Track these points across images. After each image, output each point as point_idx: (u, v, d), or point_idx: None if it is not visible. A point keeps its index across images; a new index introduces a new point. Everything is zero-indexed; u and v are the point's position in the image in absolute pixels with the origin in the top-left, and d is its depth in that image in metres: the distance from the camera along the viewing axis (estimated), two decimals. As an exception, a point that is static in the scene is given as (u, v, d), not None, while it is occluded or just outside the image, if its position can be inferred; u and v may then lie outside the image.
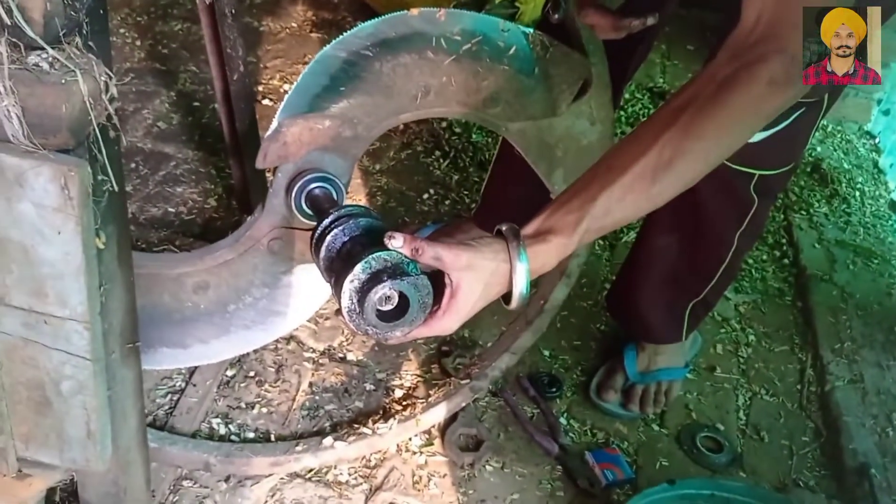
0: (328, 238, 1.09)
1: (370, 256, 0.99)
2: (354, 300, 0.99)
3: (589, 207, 1.00)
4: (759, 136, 1.40)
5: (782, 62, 0.98)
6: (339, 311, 1.01)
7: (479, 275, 0.99)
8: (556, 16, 1.46)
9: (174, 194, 2.13)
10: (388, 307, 1.00)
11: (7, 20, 0.77)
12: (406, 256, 0.99)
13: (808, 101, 1.38)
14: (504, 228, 1.01)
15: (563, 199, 1.04)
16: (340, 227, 1.09)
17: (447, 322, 1.02)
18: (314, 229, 1.13)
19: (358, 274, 0.99)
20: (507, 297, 1.03)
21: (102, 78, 0.82)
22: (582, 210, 1.01)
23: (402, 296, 1.00)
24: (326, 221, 1.11)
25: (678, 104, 1.02)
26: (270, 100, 2.54)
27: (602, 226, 1.03)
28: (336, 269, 1.06)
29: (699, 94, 1.01)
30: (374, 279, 0.98)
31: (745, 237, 1.60)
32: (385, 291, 0.98)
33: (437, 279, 1.01)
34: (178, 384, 1.63)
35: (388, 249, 0.99)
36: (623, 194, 1.01)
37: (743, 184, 1.50)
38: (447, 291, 1.00)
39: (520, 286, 1.00)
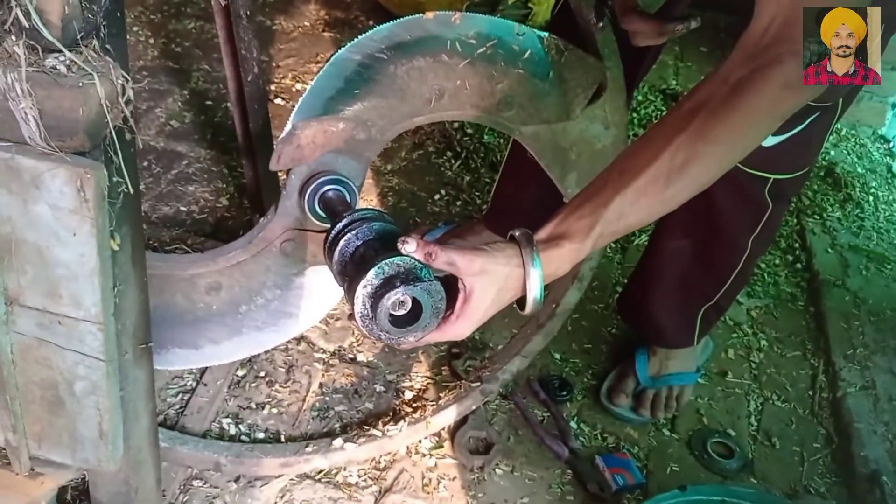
0: (341, 242, 1.09)
1: (383, 262, 0.99)
2: (367, 305, 0.99)
3: (602, 212, 1.00)
4: (773, 141, 1.39)
5: (797, 64, 0.98)
6: (351, 316, 1.01)
7: (492, 280, 0.99)
8: (601, 23, 1.45)
9: (186, 193, 2.14)
10: (401, 312, 1.00)
11: (25, 23, 0.77)
12: (419, 261, 0.99)
13: (822, 106, 1.37)
14: (517, 234, 1.01)
15: (576, 203, 1.03)
16: (353, 232, 1.09)
17: (460, 327, 1.02)
18: (327, 233, 1.13)
19: (371, 279, 0.98)
20: (521, 302, 1.03)
21: (119, 81, 0.82)
22: (595, 214, 1.00)
23: (415, 301, 0.99)
24: (339, 225, 1.11)
25: (690, 106, 1.02)
26: (283, 99, 2.54)
27: (615, 230, 1.03)
28: (349, 274, 1.06)
29: (712, 96, 1.01)
30: (386, 285, 0.98)
31: (759, 241, 1.59)
32: (398, 297, 0.98)
33: (451, 284, 1.01)
34: (188, 384, 1.63)
35: (402, 254, 0.98)
36: (636, 198, 1.00)
37: (757, 188, 1.50)
38: (460, 296, 1.00)
39: (534, 292, 1.00)
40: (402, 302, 0.99)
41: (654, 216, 1.06)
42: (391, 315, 0.99)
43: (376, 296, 0.98)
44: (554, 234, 1.02)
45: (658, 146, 1.01)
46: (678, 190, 1.01)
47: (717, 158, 1.02)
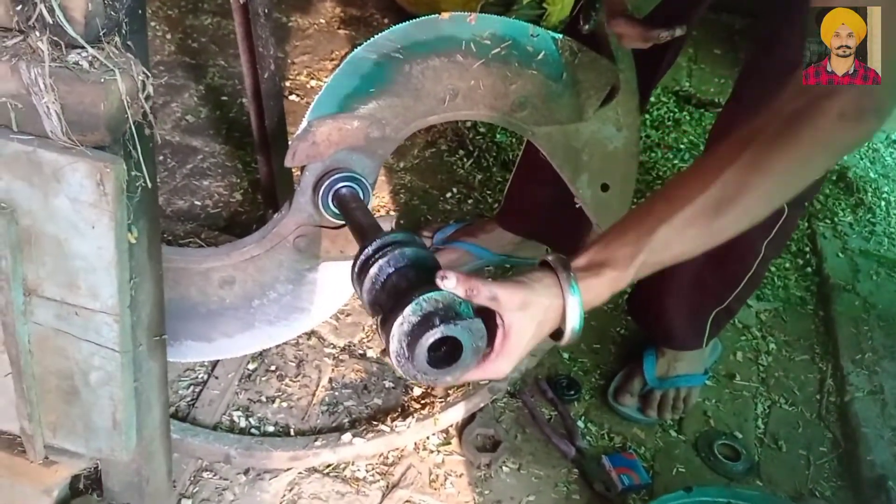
0: (372, 270, 1.02)
1: (421, 297, 0.93)
2: (404, 345, 0.93)
3: (646, 240, 0.97)
4: None
5: (853, 94, 0.95)
6: (385, 351, 0.95)
7: (533, 313, 0.95)
8: (587, 26, 1.46)
9: (201, 187, 2.16)
10: (439, 351, 0.95)
11: (49, 19, 0.79)
12: (458, 296, 0.94)
13: None
14: (551, 259, 0.97)
15: (618, 230, 1.00)
16: (385, 258, 1.02)
17: (500, 365, 0.97)
18: (356, 257, 1.07)
19: (408, 316, 0.92)
20: (556, 332, 0.99)
21: (140, 77, 0.84)
22: (639, 243, 0.97)
23: (453, 339, 0.94)
24: (370, 250, 1.04)
25: (742, 136, 0.98)
26: (297, 95, 2.56)
27: (660, 260, 0.99)
28: (383, 306, 1.00)
29: (765, 127, 0.97)
30: (425, 323, 0.92)
31: (773, 245, 1.59)
32: (437, 337, 0.92)
33: (488, 317, 0.96)
34: (200, 376, 1.64)
35: (439, 288, 0.93)
36: (683, 228, 0.97)
37: None
38: (499, 332, 0.96)
39: (573, 322, 0.96)
40: (441, 340, 0.93)
41: (701, 248, 1.01)
42: (428, 354, 0.93)
43: (414, 335, 0.92)
44: (594, 261, 0.98)
45: (708, 176, 0.97)
46: (727, 222, 0.98)
47: (769, 192, 0.98)
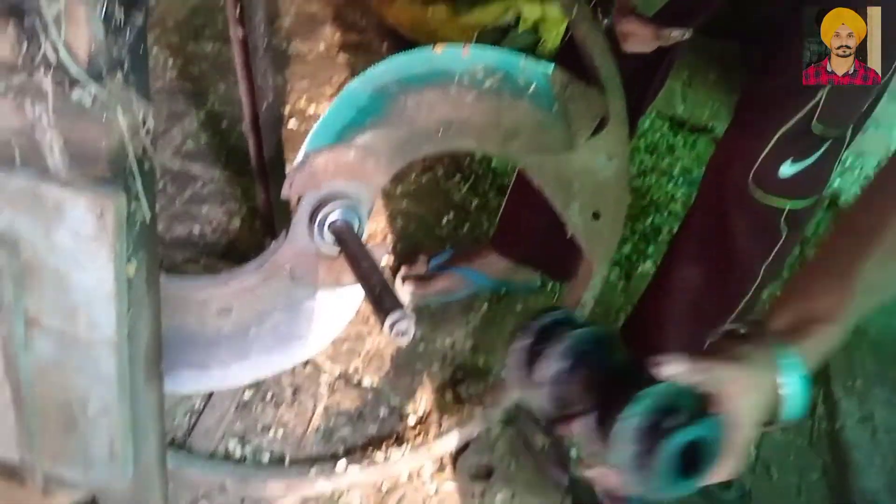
0: (551, 367, 0.84)
1: (650, 391, 0.76)
2: (639, 452, 0.76)
3: (850, 283, 0.83)
4: (791, 170, 1.42)
5: None
6: (581, 463, 0.86)
7: (758, 398, 0.81)
8: (605, 21, 1.46)
9: (200, 214, 2.17)
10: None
11: (53, 58, 0.81)
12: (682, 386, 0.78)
13: (832, 136, 1.39)
14: (746, 330, 0.84)
15: (807, 280, 0.88)
16: (561, 344, 0.84)
17: (730, 463, 0.81)
18: (516, 346, 0.88)
19: (640, 415, 0.76)
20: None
21: (141, 113, 0.86)
22: (843, 288, 0.83)
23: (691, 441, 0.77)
24: (529, 338, 0.86)
25: None
26: (297, 120, 2.57)
27: (869, 303, 0.86)
28: (576, 403, 0.83)
29: None
30: (657, 423, 0.76)
31: (770, 270, 1.60)
32: (685, 439, 0.75)
33: None
34: (196, 405, 1.65)
35: (655, 379, 0.78)
36: (886, 260, 0.84)
37: (773, 216, 1.52)
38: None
39: (794, 401, 0.81)
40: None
41: None
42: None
43: (650, 439, 0.75)
44: (797, 319, 0.84)
45: (892, 193, 0.86)
46: None
47: None
